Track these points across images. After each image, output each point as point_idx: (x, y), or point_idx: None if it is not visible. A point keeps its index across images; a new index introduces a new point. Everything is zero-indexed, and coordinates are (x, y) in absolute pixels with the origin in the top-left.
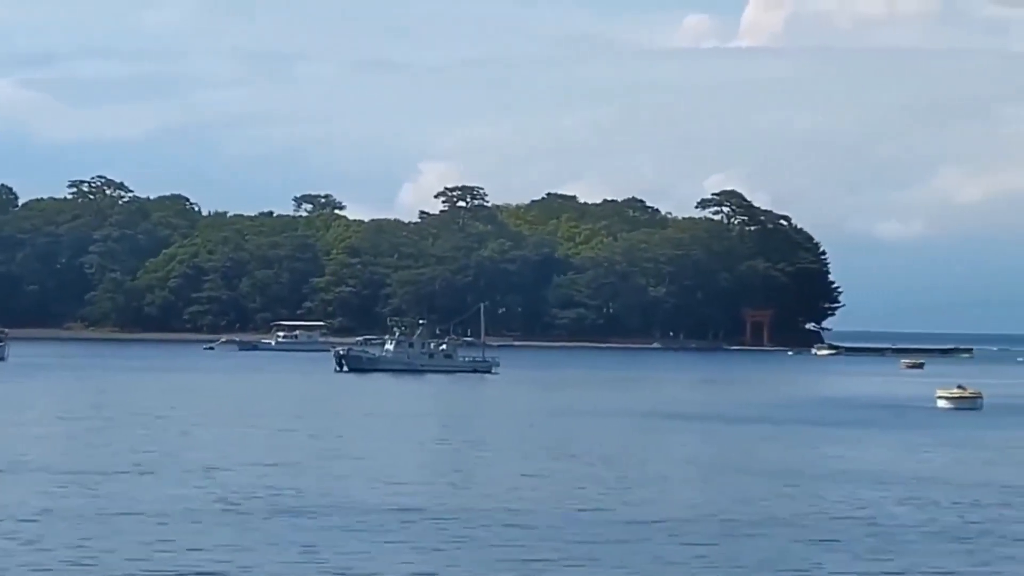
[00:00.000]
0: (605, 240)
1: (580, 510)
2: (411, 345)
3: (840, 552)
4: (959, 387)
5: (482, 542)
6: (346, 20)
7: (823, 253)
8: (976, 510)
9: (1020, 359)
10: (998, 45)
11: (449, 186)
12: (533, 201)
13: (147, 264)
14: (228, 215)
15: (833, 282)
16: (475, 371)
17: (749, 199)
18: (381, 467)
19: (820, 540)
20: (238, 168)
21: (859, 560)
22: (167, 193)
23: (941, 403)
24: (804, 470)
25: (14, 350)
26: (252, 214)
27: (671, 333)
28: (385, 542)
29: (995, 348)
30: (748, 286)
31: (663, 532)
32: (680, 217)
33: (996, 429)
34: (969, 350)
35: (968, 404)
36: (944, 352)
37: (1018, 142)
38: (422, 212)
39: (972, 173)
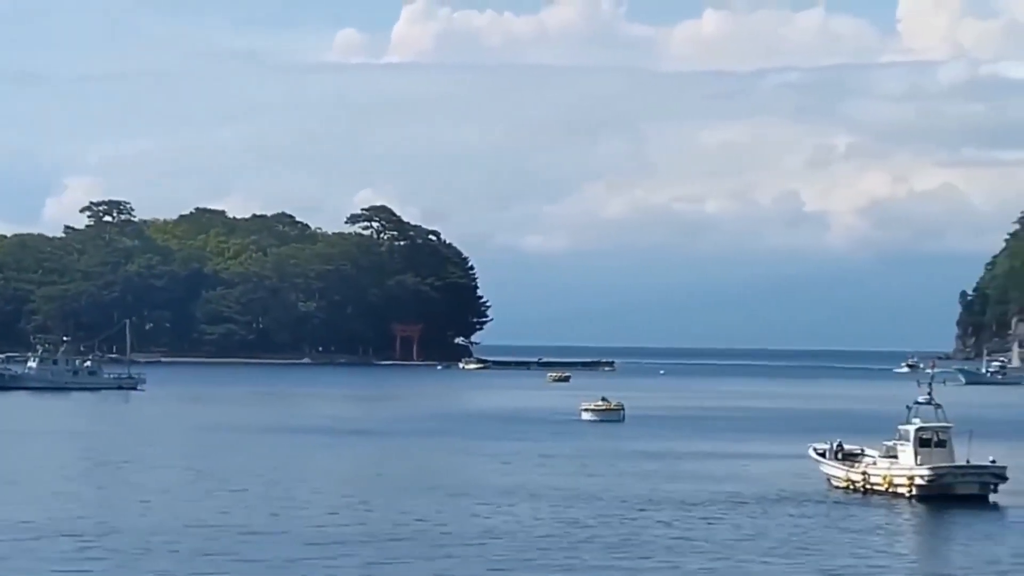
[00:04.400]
0: (254, 255)
1: (225, 529)
2: (55, 362)
3: (500, 569)
4: (603, 400)
5: (123, 562)
6: None
7: (472, 268)
8: (623, 521)
9: (662, 371)
10: (643, 63)
11: (95, 200)
12: (181, 216)
13: None
14: None
15: (482, 296)
16: (120, 388)
17: (399, 214)
18: (25, 487)
19: (477, 556)
20: None
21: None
22: None
23: (586, 416)
24: (455, 485)
25: None
26: None
27: (320, 348)
28: (32, 563)
29: (637, 361)
30: (398, 301)
31: (314, 553)
32: (330, 232)
33: (636, 440)
34: (611, 363)
35: (611, 416)
36: (588, 365)
37: (661, 158)
38: (67, 227)
39: (617, 189)
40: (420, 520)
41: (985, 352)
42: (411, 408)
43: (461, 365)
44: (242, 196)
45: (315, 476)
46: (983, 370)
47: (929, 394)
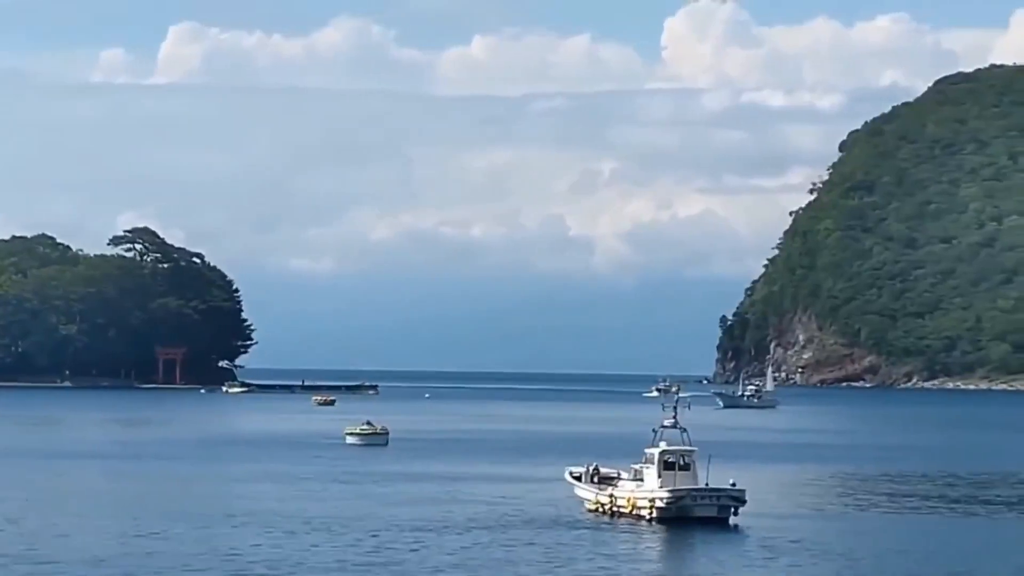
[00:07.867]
0: (14, 277)
1: None
2: None
3: None
4: (367, 423)
5: None
6: None
7: (236, 290)
8: (385, 546)
9: (427, 395)
10: (412, 88)
11: None
12: None
13: None
14: None
15: (246, 320)
16: None
17: (162, 236)
18: None
19: None
20: None
21: None
22: None
23: (350, 439)
24: (214, 511)
25: None
26: None
27: (71, 372)
28: None
29: (403, 384)
30: (161, 324)
31: None
32: (92, 254)
33: (400, 464)
34: (375, 386)
35: (376, 440)
36: (351, 389)
37: (428, 183)
38: None
39: (384, 212)
40: (178, 548)
41: (742, 376)
42: (176, 432)
43: (224, 389)
44: (1, 217)
45: (84, 503)
46: (740, 394)
47: (674, 418)
